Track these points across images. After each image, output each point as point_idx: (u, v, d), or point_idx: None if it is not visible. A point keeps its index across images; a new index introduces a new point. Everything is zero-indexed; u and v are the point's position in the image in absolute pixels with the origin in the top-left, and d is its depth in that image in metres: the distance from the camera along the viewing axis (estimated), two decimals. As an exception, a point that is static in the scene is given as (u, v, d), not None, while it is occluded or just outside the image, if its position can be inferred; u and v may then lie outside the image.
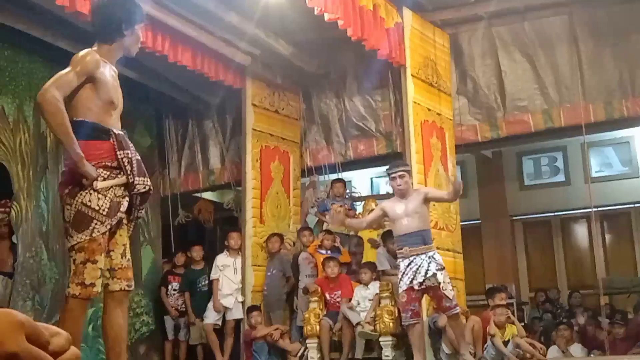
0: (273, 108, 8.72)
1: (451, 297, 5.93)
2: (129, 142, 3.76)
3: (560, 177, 11.30)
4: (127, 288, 3.82)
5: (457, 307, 6.06)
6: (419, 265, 5.86)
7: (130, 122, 8.92)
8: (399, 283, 6.04)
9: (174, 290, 8.64)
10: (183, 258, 8.84)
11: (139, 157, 3.78)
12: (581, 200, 9.60)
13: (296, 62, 8.47)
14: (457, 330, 6.24)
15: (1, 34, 7.00)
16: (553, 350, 7.92)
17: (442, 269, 5.94)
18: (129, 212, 3.82)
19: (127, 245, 3.88)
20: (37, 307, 7.12)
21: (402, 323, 6.19)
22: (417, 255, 5.91)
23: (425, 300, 6.45)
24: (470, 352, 6.46)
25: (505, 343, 6.79)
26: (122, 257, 3.81)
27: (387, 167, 6.44)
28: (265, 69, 8.44)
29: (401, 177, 6.10)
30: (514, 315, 7.56)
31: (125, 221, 3.84)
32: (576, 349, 8.14)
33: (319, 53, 8.63)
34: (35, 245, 7.31)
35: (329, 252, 7.80)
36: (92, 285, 3.58)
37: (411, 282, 5.89)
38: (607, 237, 11.25)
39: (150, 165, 9.33)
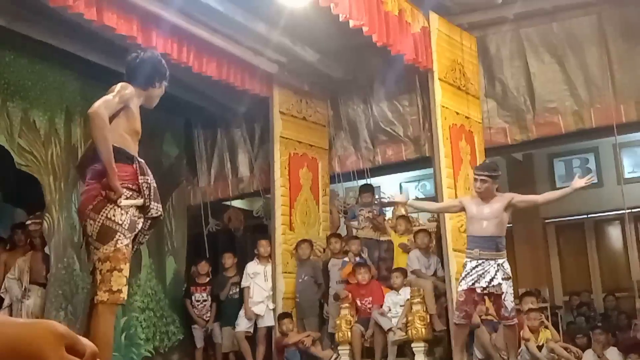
0: (301, 115, 8.73)
1: (510, 309, 5.87)
2: (149, 170, 4.16)
3: (593, 179, 11.15)
4: None
5: (515, 319, 5.99)
6: (486, 271, 5.79)
7: (160, 133, 9.04)
8: (460, 282, 5.96)
9: (197, 301, 8.59)
10: (206, 267, 8.77)
11: (155, 185, 4.16)
12: (614, 202, 9.46)
13: (323, 69, 8.48)
14: (509, 341, 6.17)
15: (33, 48, 7.12)
16: (589, 355, 7.80)
17: (508, 279, 5.86)
18: (134, 236, 4.14)
19: None
20: (70, 317, 7.21)
21: (453, 321, 6.17)
22: (487, 260, 5.83)
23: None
24: (503, 358, 6.41)
25: (540, 348, 6.71)
26: None
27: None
28: (292, 77, 8.47)
29: (482, 181, 5.95)
30: (547, 320, 7.47)
31: None
32: (612, 353, 8.01)
33: (345, 59, 8.63)
34: (67, 256, 7.41)
35: (356, 258, 7.79)
36: (119, 291, 3.87)
37: (473, 284, 5.82)
38: (642, 238, 11.06)
39: (178, 175, 9.44)
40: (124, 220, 3.91)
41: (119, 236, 3.88)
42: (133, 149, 4.14)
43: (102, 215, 3.88)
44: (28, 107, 7.32)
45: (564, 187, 11.04)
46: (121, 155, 4.01)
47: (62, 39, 6.93)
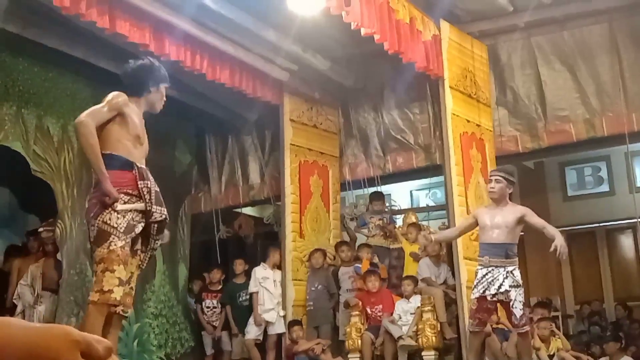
0: (311, 123, 8.75)
1: (519, 317, 5.82)
2: (150, 175, 4.22)
3: (604, 187, 11.10)
4: (122, 312, 4.17)
5: (526, 327, 5.93)
6: (494, 278, 5.74)
7: (171, 140, 9.08)
8: (472, 290, 5.94)
9: (208, 307, 8.62)
10: (219, 275, 8.79)
11: (157, 189, 4.22)
12: (626, 210, 9.42)
13: (334, 77, 8.50)
14: (523, 350, 6.11)
15: (46, 56, 7.18)
16: (601, 364, 7.76)
17: (517, 286, 5.77)
18: (146, 242, 4.24)
19: (135, 275, 4.26)
20: (82, 323, 7.22)
21: (467, 328, 6.15)
22: (496, 267, 5.77)
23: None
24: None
25: (551, 357, 6.68)
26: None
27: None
28: (303, 85, 8.49)
29: (497, 181, 5.86)
30: (559, 329, 7.43)
31: (140, 251, 4.26)
32: (625, 362, 7.96)
33: (356, 67, 8.64)
34: (79, 262, 7.44)
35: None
36: (110, 291, 3.94)
37: (484, 292, 5.79)
38: (654, 247, 11.00)
39: (189, 182, 9.47)
40: (120, 224, 4.02)
41: (113, 238, 3.98)
42: (135, 155, 4.22)
43: (99, 220, 4.03)
44: (42, 113, 7.38)
45: (573, 196, 11.19)
46: (117, 162, 4.12)
47: (74, 47, 6.98)
